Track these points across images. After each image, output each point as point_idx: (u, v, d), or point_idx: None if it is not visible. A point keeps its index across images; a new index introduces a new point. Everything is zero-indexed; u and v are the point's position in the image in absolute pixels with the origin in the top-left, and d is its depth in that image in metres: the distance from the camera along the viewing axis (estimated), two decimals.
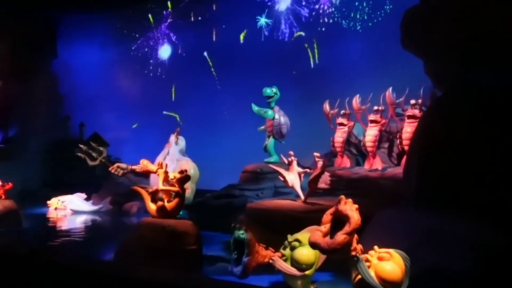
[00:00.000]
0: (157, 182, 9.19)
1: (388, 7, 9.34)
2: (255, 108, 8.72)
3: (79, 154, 10.05)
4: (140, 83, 14.93)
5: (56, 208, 10.99)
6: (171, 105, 14.57)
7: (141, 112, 14.79)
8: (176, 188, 5.41)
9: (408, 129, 6.53)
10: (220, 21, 13.28)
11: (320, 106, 8.87)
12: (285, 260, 4.09)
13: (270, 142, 8.71)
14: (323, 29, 10.52)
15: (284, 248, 4.20)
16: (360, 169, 7.19)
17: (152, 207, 5.38)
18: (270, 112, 8.62)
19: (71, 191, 13.22)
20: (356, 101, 7.68)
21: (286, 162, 6.33)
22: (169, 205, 5.27)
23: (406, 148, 6.47)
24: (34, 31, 15.11)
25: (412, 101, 6.74)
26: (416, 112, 6.55)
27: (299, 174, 6.16)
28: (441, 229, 4.22)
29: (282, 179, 6.27)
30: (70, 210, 10.49)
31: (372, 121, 7.37)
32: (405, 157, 6.59)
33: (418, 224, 4.34)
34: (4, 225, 7.62)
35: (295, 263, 4.06)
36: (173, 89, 14.58)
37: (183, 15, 14.42)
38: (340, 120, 8.02)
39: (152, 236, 4.89)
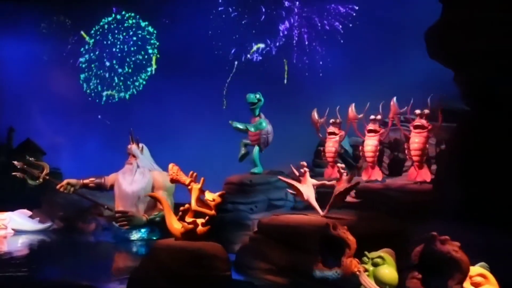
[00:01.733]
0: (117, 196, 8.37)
1: (380, 12, 9.30)
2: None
3: (16, 173, 8.76)
4: (78, 83, 13.54)
5: None
6: (111, 108, 13.39)
7: (78, 115, 13.41)
8: (212, 212, 4.71)
9: (416, 139, 6.43)
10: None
11: (294, 114, 8.64)
12: (367, 276, 3.71)
13: (255, 151, 8.19)
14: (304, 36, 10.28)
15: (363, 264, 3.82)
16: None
17: (176, 226, 4.60)
18: (264, 123, 8.08)
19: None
20: (352, 110, 7.49)
21: (297, 173, 5.87)
22: (201, 229, 4.53)
23: (415, 159, 6.37)
24: None
25: (417, 111, 6.67)
26: (424, 122, 6.49)
27: (314, 187, 5.73)
28: (497, 243, 4.09)
29: (294, 192, 5.79)
30: (12, 230, 8.98)
31: (370, 131, 7.22)
32: (412, 168, 6.51)
33: (472, 239, 4.15)
34: None
35: (378, 281, 3.70)
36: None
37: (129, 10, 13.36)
38: (331, 129, 7.78)
39: (175, 262, 4.12)
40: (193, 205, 4.73)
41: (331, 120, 7.74)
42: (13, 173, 9.01)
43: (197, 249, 4.24)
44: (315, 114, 8.07)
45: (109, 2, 13.63)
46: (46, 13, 13.79)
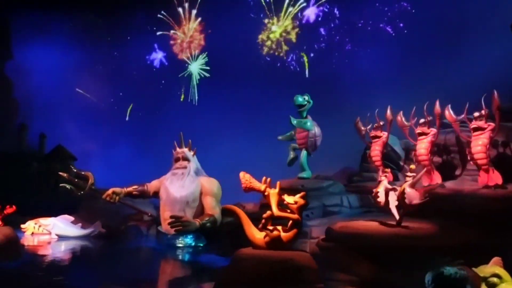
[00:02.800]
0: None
1: (424, 15, 9.08)
2: (294, 121, 7.96)
3: (64, 185, 8.67)
4: (108, 90, 13.42)
5: (32, 233, 9.29)
6: (143, 114, 13.25)
7: (109, 121, 13.32)
8: (295, 216, 4.50)
9: (479, 141, 6.21)
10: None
11: (339, 118, 8.45)
12: None
13: (303, 155, 8.01)
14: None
15: None
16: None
17: (258, 236, 4.41)
18: (309, 123, 7.94)
19: (31, 214, 11.57)
20: (401, 117, 7.38)
21: (380, 179, 5.64)
22: (286, 236, 4.33)
23: (481, 162, 6.14)
24: None
25: (476, 114, 6.45)
26: (482, 123, 6.27)
27: (388, 192, 5.50)
28: None
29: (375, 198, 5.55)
30: (56, 236, 8.87)
31: (420, 134, 7.05)
32: (481, 172, 6.26)
33: None
34: (3, 258, 6.11)
35: None
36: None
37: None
38: (373, 133, 7.67)
39: (264, 274, 3.92)
40: (275, 211, 4.54)
41: (375, 125, 7.65)
42: (61, 185, 8.92)
43: (287, 260, 4.02)
44: (359, 123, 7.96)
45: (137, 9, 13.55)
46: (76, 21, 13.73)
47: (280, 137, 8.28)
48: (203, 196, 8.09)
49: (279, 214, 4.55)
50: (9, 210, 6.55)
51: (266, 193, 4.75)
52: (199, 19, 12.66)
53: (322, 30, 10.41)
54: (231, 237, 7.98)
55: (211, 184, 8.16)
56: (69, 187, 8.80)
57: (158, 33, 13.43)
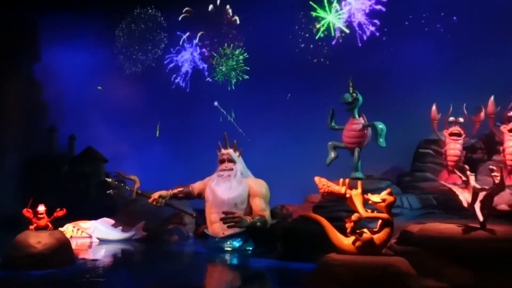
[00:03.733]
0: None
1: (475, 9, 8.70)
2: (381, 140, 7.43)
3: (111, 191, 8.50)
4: (138, 91, 13.18)
5: (71, 237, 9.09)
6: (176, 115, 12.97)
7: (140, 122, 13.08)
8: (385, 215, 4.19)
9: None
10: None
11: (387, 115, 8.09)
12: None
13: (356, 154, 7.68)
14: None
15: None
16: None
17: (346, 241, 4.12)
18: (380, 125, 7.51)
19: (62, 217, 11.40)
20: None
21: (463, 178, 5.28)
22: (379, 237, 4.03)
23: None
24: (11, 31, 12.98)
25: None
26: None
27: (476, 192, 5.12)
28: None
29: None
30: (97, 239, 8.65)
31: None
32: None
33: None
34: (56, 264, 5.88)
35: None
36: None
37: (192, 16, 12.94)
38: (453, 129, 7.30)
39: (360, 282, 3.62)
40: (363, 212, 4.23)
41: (451, 119, 7.23)
42: (108, 192, 8.74)
43: (386, 266, 3.70)
44: (434, 109, 7.55)
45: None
46: (106, 21, 13.53)
47: (334, 125, 7.95)
48: (251, 197, 7.82)
49: (369, 216, 4.24)
50: (59, 213, 6.31)
51: (347, 196, 4.43)
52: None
53: (367, 24, 10.05)
54: (281, 241, 7.77)
55: (259, 186, 7.89)
56: (115, 193, 8.62)
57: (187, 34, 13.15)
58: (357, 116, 7.78)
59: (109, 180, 8.66)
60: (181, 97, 12.89)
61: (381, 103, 8.64)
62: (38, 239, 5.91)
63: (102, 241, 8.70)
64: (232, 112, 11.89)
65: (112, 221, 8.98)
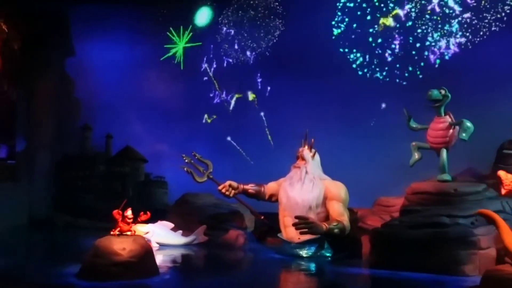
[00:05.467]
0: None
1: None
2: (466, 137, 6.92)
3: (184, 167, 8.11)
4: (179, 86, 12.58)
5: None
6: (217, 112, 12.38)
7: (181, 120, 12.49)
8: None
9: None
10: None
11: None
12: None
13: (445, 156, 7.16)
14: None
15: None
16: None
17: None
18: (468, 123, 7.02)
19: (100, 219, 10.90)
20: None
21: None
22: None
23: None
24: (44, 23, 12.40)
25: None
26: None
27: None
28: None
29: None
30: (157, 244, 8.09)
31: None
32: None
33: None
34: (142, 273, 5.35)
35: None
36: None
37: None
38: None
39: None
40: None
41: None
42: (181, 166, 8.33)
43: None
44: None
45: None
46: (143, 15, 12.96)
47: (414, 125, 7.43)
48: (328, 201, 7.29)
49: None
50: (143, 217, 5.79)
51: None
52: None
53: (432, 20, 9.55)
54: (357, 247, 7.28)
55: (337, 188, 7.37)
56: (189, 171, 8.22)
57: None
58: (443, 114, 7.27)
59: (184, 157, 8.28)
60: (225, 92, 12.37)
61: (453, 101, 8.10)
62: (122, 245, 5.36)
63: (161, 246, 8.15)
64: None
65: (171, 225, 8.42)
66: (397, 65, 9.90)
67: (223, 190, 7.88)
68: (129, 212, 5.58)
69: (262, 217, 8.24)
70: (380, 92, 9.97)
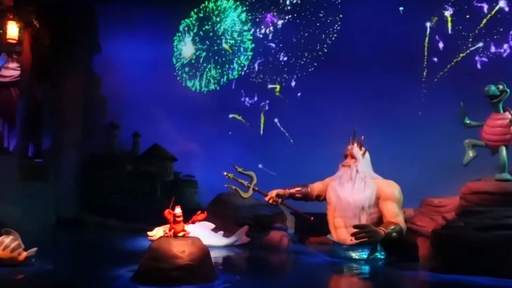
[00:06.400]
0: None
1: None
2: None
3: (231, 186, 7.80)
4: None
5: None
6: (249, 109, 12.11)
7: (212, 117, 12.25)
8: None
9: None
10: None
11: None
12: None
13: (504, 154, 6.83)
14: None
15: None
16: None
17: None
18: None
19: (128, 219, 10.71)
20: None
21: None
22: None
23: None
24: (70, 19, 12.20)
25: None
26: None
27: None
28: None
29: None
30: None
31: None
32: None
33: None
34: (203, 278, 5.08)
35: None
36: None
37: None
38: None
39: None
40: None
41: None
42: (226, 186, 8.01)
43: None
44: None
45: None
46: (171, 11, 12.74)
47: (469, 122, 7.06)
48: (382, 201, 6.96)
49: None
50: (200, 216, 5.51)
51: None
52: None
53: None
54: (410, 249, 6.98)
55: (391, 188, 7.03)
56: (234, 188, 7.90)
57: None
58: (501, 110, 6.94)
59: (227, 173, 7.96)
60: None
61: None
62: (181, 248, 5.06)
63: None
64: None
65: (212, 225, 8.15)
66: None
67: (270, 201, 7.58)
68: (178, 211, 5.27)
69: (312, 218, 7.94)
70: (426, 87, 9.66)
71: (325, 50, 10.84)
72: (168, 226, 8.49)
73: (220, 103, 12.07)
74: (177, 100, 12.42)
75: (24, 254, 5.71)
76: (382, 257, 6.88)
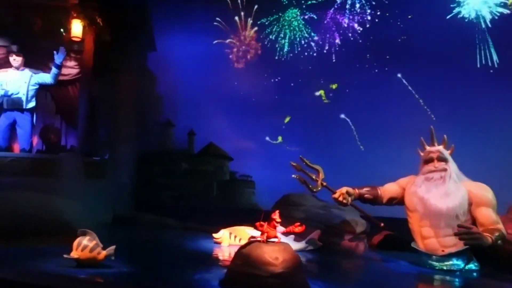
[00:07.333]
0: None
1: None
2: None
3: (296, 177, 7.33)
4: (267, 82, 11.97)
5: (229, 245, 8.03)
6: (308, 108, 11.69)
7: (270, 116, 11.89)
8: None
9: None
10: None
11: None
12: None
13: None
14: None
15: None
16: None
17: None
18: None
19: (184, 217, 10.46)
20: None
21: None
22: None
23: None
24: (126, 16, 12.07)
25: None
26: None
27: None
28: None
29: None
30: None
31: None
32: None
33: None
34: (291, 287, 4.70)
35: None
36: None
37: None
38: None
39: None
40: None
41: None
42: (293, 176, 7.60)
43: None
44: None
45: None
46: (222, 7, 12.47)
47: None
48: (475, 206, 6.31)
49: None
50: (298, 228, 5.13)
51: None
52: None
53: None
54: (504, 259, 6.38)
55: (483, 191, 6.36)
56: (303, 180, 7.46)
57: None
58: None
59: (294, 165, 7.52)
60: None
61: None
62: (274, 254, 4.71)
63: None
64: None
65: (282, 229, 7.70)
66: None
67: (340, 198, 6.97)
68: (276, 215, 4.94)
69: (382, 225, 7.43)
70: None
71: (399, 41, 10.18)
72: (234, 228, 8.29)
73: (279, 98, 11.67)
74: (233, 97, 12.11)
75: (104, 253, 5.52)
76: (477, 268, 6.31)
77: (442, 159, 6.62)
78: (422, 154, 6.88)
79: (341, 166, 10.74)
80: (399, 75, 9.89)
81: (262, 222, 4.89)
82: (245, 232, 8.00)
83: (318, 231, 7.81)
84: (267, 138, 11.51)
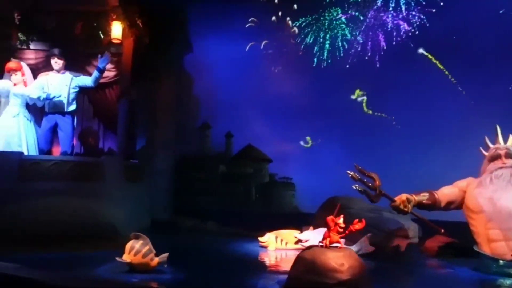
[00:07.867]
0: None
1: None
2: None
3: (357, 187, 6.95)
4: (306, 83, 11.71)
5: (276, 249, 7.80)
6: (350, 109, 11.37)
7: (308, 117, 11.62)
8: None
9: None
10: None
11: None
12: None
13: None
14: None
15: None
16: None
17: None
18: None
19: (224, 221, 10.28)
20: None
21: None
22: None
23: None
24: (164, 19, 12.01)
25: None
26: None
27: None
28: None
29: None
30: None
31: None
32: None
33: None
34: None
35: None
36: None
37: None
38: None
39: None
40: None
41: None
42: (354, 187, 7.26)
43: None
44: None
45: None
46: (258, 9, 12.28)
47: None
48: None
49: None
50: (358, 225, 4.85)
51: None
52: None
53: None
54: None
55: None
56: (362, 190, 7.11)
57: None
58: None
59: (351, 174, 7.15)
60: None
61: None
62: (340, 260, 4.45)
63: None
64: None
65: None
66: None
67: (401, 206, 6.64)
68: (341, 220, 4.67)
69: (442, 230, 7.04)
70: None
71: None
72: (279, 231, 8.06)
73: (319, 101, 11.40)
74: (271, 99, 11.90)
75: (156, 259, 5.39)
76: None
77: (510, 155, 6.23)
78: (486, 153, 6.51)
79: (387, 169, 10.39)
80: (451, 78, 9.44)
81: (334, 217, 4.62)
82: (292, 236, 7.78)
83: (369, 235, 7.47)
84: (301, 143, 11.22)
